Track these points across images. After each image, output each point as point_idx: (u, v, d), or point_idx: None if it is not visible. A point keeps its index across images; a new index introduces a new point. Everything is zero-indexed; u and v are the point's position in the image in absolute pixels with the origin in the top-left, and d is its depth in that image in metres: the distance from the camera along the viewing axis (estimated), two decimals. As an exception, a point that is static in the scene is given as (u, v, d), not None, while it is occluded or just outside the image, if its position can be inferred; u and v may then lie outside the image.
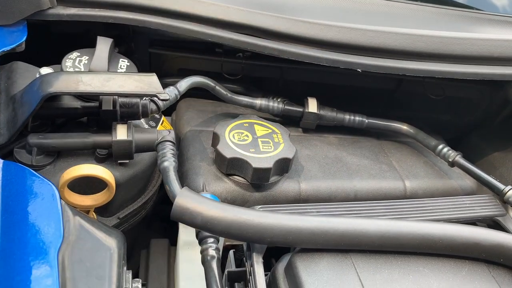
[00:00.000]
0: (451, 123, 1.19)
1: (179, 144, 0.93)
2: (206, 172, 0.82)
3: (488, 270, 0.66)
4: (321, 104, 0.98)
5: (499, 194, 0.82)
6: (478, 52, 0.85)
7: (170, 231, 1.10)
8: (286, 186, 0.83)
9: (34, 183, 0.59)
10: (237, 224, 0.62)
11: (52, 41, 0.95)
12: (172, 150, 0.72)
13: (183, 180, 0.83)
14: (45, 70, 0.80)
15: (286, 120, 0.98)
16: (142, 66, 1.04)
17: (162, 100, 0.70)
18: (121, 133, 0.71)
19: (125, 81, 0.73)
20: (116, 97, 0.74)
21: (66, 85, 0.69)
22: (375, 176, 0.90)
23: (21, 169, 0.60)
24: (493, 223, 0.82)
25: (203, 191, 0.78)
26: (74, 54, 0.85)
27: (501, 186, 0.82)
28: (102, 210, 0.75)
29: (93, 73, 0.74)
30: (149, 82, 0.74)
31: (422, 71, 0.85)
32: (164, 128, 0.87)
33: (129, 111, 0.78)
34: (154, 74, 0.76)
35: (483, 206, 0.81)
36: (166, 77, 1.04)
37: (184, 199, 0.63)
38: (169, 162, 0.69)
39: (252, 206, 0.81)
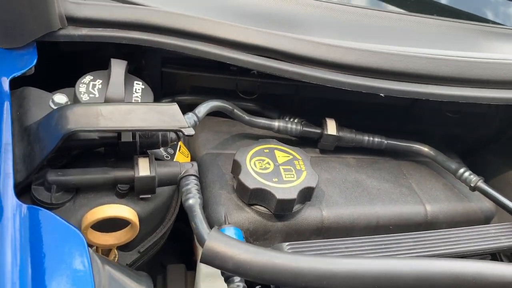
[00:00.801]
0: (464, 137, 1.18)
1: (196, 167, 0.90)
2: (227, 202, 0.80)
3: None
4: (336, 120, 0.96)
5: (524, 223, 0.82)
6: (503, 77, 0.84)
7: (181, 252, 1.09)
8: (309, 214, 0.81)
9: (62, 231, 0.56)
10: (270, 268, 0.60)
11: (60, 61, 0.91)
12: (197, 185, 0.70)
13: (204, 209, 0.80)
14: (59, 98, 0.77)
15: (303, 140, 0.96)
16: (153, 83, 1.01)
17: (187, 135, 0.68)
18: (144, 168, 0.69)
19: (147, 113, 0.70)
20: (137, 129, 0.71)
21: (87, 121, 0.66)
22: (396, 201, 0.88)
23: (49, 216, 0.57)
24: (518, 252, 0.82)
25: (225, 222, 0.76)
26: (87, 78, 0.82)
27: (525, 214, 0.81)
28: (123, 246, 0.73)
29: (112, 105, 0.71)
30: (171, 114, 0.71)
31: (446, 96, 0.83)
32: (182, 154, 0.85)
33: (149, 141, 0.75)
34: (176, 104, 0.73)
35: (508, 235, 0.80)
36: (178, 95, 1.01)
37: (215, 242, 0.61)
38: (194, 200, 0.67)
39: (274, 235, 0.80)
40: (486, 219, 0.93)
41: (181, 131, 0.68)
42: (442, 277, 0.63)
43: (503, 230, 0.81)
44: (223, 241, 0.61)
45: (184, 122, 0.70)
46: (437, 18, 1.03)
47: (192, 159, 0.93)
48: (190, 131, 0.68)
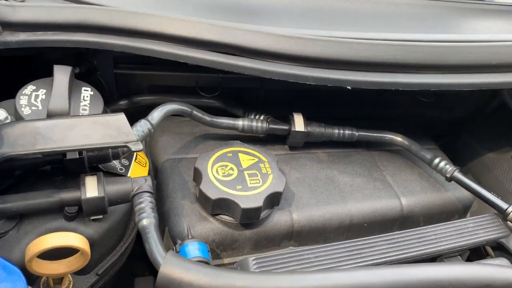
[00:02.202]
0: (440, 119, 1.14)
1: (156, 175, 0.85)
2: (190, 212, 0.74)
3: (499, 309, 0.63)
4: (304, 110, 0.91)
5: (502, 213, 0.78)
6: (475, 61, 0.79)
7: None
8: (278, 219, 0.77)
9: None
10: (232, 293, 0.56)
11: (4, 68, 0.84)
12: (151, 202, 0.64)
13: (165, 221, 0.75)
14: (-4, 113, 0.71)
15: (271, 137, 0.91)
16: (107, 84, 0.94)
17: (135, 151, 0.62)
18: (91, 189, 0.63)
19: (91, 128, 0.64)
20: (82, 145, 0.65)
21: (23, 143, 0.59)
22: (369, 196, 0.84)
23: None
24: (497, 245, 0.79)
25: (188, 236, 0.71)
26: (29, 88, 0.75)
27: (503, 205, 0.78)
28: (79, 270, 0.68)
29: (52, 120, 0.64)
30: (118, 127, 0.65)
31: (416, 84, 0.78)
32: (139, 164, 0.79)
33: (98, 156, 0.69)
34: (122, 114, 0.67)
35: (486, 228, 0.77)
36: (136, 96, 0.95)
37: (170, 267, 0.56)
38: (148, 220, 0.62)
39: (242, 244, 0.76)
40: (464, 208, 0.90)
41: (128, 147, 0.62)
42: (417, 285, 0.60)
43: (481, 223, 0.77)
44: (179, 266, 0.57)
45: (132, 135, 0.64)
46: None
47: (153, 165, 0.87)
48: (138, 147, 0.62)
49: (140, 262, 1.02)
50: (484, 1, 1.07)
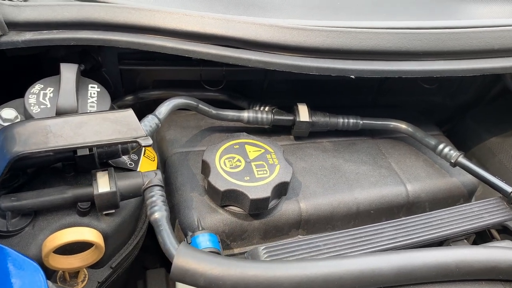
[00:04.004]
0: (443, 105, 1.15)
1: (164, 168, 0.86)
2: (199, 205, 0.76)
3: (506, 290, 0.64)
4: (308, 100, 0.92)
5: (506, 197, 0.79)
6: (478, 46, 0.79)
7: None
8: (286, 209, 0.78)
9: (17, 264, 0.52)
10: (244, 281, 0.57)
11: (7, 67, 0.85)
12: (162, 196, 0.65)
13: (175, 214, 0.77)
14: (7, 113, 0.72)
15: (276, 128, 0.92)
16: (113, 80, 0.95)
17: (145, 146, 0.63)
18: (103, 184, 0.64)
19: (100, 124, 0.65)
20: (93, 141, 0.66)
21: (35, 141, 0.61)
22: (375, 183, 0.85)
23: (2, 251, 0.53)
24: (502, 228, 0.80)
25: (198, 227, 0.73)
26: (37, 87, 0.76)
27: (508, 188, 0.79)
28: (94, 264, 0.69)
29: (62, 118, 0.65)
30: (127, 123, 0.66)
31: (419, 71, 0.79)
32: (148, 158, 0.80)
33: (108, 152, 0.70)
34: (131, 110, 0.68)
35: (491, 211, 0.78)
36: (141, 91, 0.96)
37: (183, 258, 0.58)
38: (160, 213, 0.63)
39: (252, 234, 0.77)
40: (469, 193, 0.91)
41: (138, 142, 0.63)
42: (425, 269, 0.61)
43: (486, 207, 0.79)
44: (192, 256, 0.58)
45: (141, 130, 0.65)
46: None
47: (161, 159, 0.89)
48: (148, 142, 0.63)
49: (151, 255, 1.04)
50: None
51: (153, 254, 1.05)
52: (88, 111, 0.74)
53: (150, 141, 0.63)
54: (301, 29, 0.78)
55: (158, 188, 0.66)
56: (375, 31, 0.78)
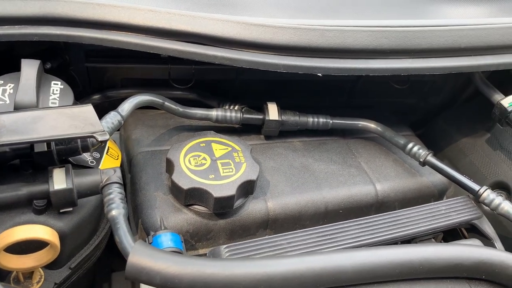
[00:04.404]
0: (416, 106, 1.15)
1: (130, 168, 0.84)
2: (163, 204, 0.74)
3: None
4: (281, 101, 0.91)
5: (474, 195, 0.79)
6: (445, 45, 0.79)
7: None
8: (253, 208, 0.77)
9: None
10: (201, 279, 0.55)
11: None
12: (120, 193, 0.63)
13: (138, 214, 0.75)
14: (-39, 108, 0.70)
15: (246, 127, 0.91)
16: (80, 78, 0.93)
17: (101, 141, 0.61)
18: (59, 181, 0.62)
19: (57, 119, 0.63)
20: (50, 137, 0.64)
21: (-14, 136, 0.59)
22: (344, 183, 0.84)
23: None
24: (470, 226, 0.79)
25: (161, 227, 0.71)
26: (-4, 83, 0.74)
27: (475, 186, 0.78)
28: (50, 264, 0.67)
29: (17, 113, 0.63)
30: (84, 118, 0.64)
31: (386, 69, 0.79)
32: (111, 156, 0.78)
33: (67, 148, 0.68)
34: (90, 105, 0.66)
35: (459, 210, 0.77)
36: (109, 90, 0.94)
37: (139, 256, 0.56)
38: (117, 210, 0.61)
39: (217, 234, 0.76)
40: (439, 193, 0.90)
41: (94, 137, 0.61)
42: (388, 266, 0.60)
43: (453, 206, 0.78)
44: (148, 255, 0.56)
45: (99, 126, 0.63)
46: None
47: (127, 159, 0.87)
48: (104, 136, 0.61)
49: (119, 257, 1.01)
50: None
51: (120, 256, 1.02)
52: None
53: (107, 136, 0.62)
54: (268, 26, 0.77)
55: (117, 185, 0.64)
56: (342, 29, 0.77)
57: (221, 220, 0.75)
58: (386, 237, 0.72)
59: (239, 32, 0.76)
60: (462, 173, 0.83)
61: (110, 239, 0.79)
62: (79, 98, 0.94)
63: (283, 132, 0.91)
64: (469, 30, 0.81)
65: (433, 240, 0.78)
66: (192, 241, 0.75)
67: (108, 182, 0.64)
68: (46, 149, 0.66)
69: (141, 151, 0.83)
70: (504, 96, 0.89)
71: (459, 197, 0.80)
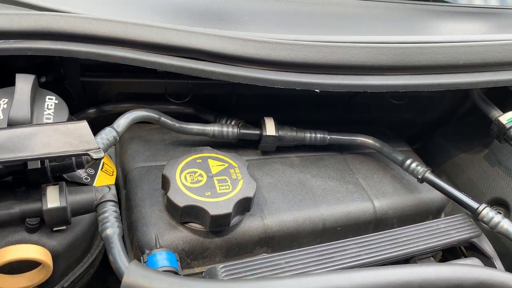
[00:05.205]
0: (413, 121, 1.15)
1: (125, 184, 0.83)
2: (158, 221, 0.73)
3: (471, 309, 0.62)
4: (277, 115, 0.91)
5: (473, 213, 0.78)
6: (442, 61, 0.79)
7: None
8: (249, 225, 0.76)
9: None
10: (198, 302, 0.54)
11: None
12: (115, 212, 0.62)
13: (133, 232, 0.74)
14: (-46, 124, 0.68)
15: (243, 142, 0.90)
16: (76, 93, 0.92)
17: (96, 159, 0.60)
18: (53, 199, 0.61)
19: (51, 136, 0.62)
20: (43, 154, 0.63)
21: (-23, 153, 0.57)
22: (342, 200, 0.83)
23: None
24: (469, 244, 0.78)
25: (156, 245, 0.70)
26: (-10, 98, 0.73)
27: (474, 204, 0.78)
28: (43, 283, 0.65)
29: (11, 129, 0.62)
30: (79, 135, 0.63)
31: (384, 86, 0.78)
32: (106, 173, 0.77)
33: (61, 165, 0.67)
34: (85, 121, 0.65)
35: (458, 228, 0.76)
36: (104, 104, 0.93)
37: (134, 277, 0.55)
38: (112, 229, 0.60)
39: (213, 252, 0.74)
40: (438, 209, 0.90)
41: (89, 155, 0.60)
42: (386, 287, 0.59)
43: (452, 224, 0.77)
44: (142, 276, 0.55)
45: (93, 143, 0.62)
46: (375, 0, 0.97)
47: (123, 174, 0.86)
48: (99, 154, 0.60)
49: (113, 275, 1.00)
50: (449, 3, 1.08)
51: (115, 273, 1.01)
52: (44, 123, 0.71)
53: (101, 154, 0.61)
54: (266, 42, 0.76)
55: (111, 203, 0.63)
56: (340, 45, 0.77)
57: (217, 238, 0.73)
58: (385, 256, 0.71)
59: (237, 48, 0.76)
60: (460, 190, 0.83)
61: (104, 256, 0.78)
62: (74, 112, 0.93)
63: (280, 147, 0.90)
64: (467, 47, 0.80)
65: (432, 258, 0.77)
66: (188, 259, 0.73)
67: (102, 200, 0.63)
68: (39, 166, 0.65)
69: (137, 166, 0.82)
70: (502, 113, 0.89)
71: (458, 215, 0.79)
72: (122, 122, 0.74)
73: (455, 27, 0.91)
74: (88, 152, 0.60)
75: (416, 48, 0.79)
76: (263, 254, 0.78)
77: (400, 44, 0.80)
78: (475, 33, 0.89)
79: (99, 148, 0.61)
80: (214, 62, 0.77)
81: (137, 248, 0.73)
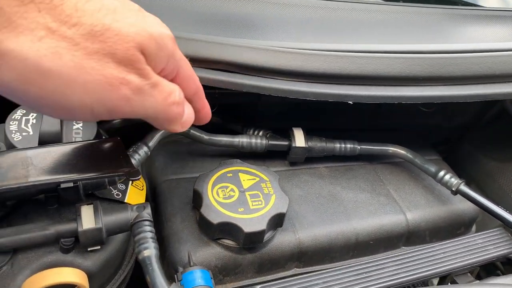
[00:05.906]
0: (440, 127, 1.12)
1: (154, 197, 0.82)
2: (190, 238, 0.72)
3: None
4: (303, 123, 0.89)
5: (510, 227, 0.76)
6: (479, 72, 0.77)
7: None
8: (282, 240, 0.74)
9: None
10: (240, 327, 0.53)
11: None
12: (151, 232, 0.61)
13: (165, 248, 0.73)
14: (-16, 142, 0.67)
15: (271, 153, 0.88)
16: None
17: (133, 179, 0.59)
18: (88, 220, 0.60)
19: (85, 155, 0.61)
20: (77, 172, 0.62)
21: (14, 176, 0.56)
22: (374, 213, 0.82)
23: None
24: (506, 260, 0.77)
25: (189, 263, 0.69)
26: (19, 113, 0.72)
27: (511, 218, 0.76)
28: (76, 304, 0.65)
29: (44, 149, 0.61)
30: (113, 153, 0.62)
31: (420, 97, 0.76)
32: (136, 187, 0.76)
33: (94, 183, 0.66)
34: (118, 138, 0.64)
35: (496, 243, 0.75)
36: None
37: (174, 302, 0.54)
38: (149, 251, 0.59)
39: (246, 268, 0.73)
40: (470, 221, 0.88)
41: (127, 176, 0.59)
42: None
43: (489, 239, 0.76)
44: (183, 300, 0.54)
45: (130, 162, 0.60)
46: (405, 5, 0.95)
47: (150, 187, 0.84)
48: (136, 175, 0.59)
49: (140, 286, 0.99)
50: (480, 7, 1.06)
51: (142, 285, 1.00)
52: (73, 138, 0.70)
53: (139, 175, 0.59)
54: (297, 53, 0.75)
55: (147, 223, 0.62)
56: (374, 55, 0.75)
57: (249, 254, 0.72)
58: (424, 274, 0.69)
59: (267, 59, 0.74)
60: (493, 199, 0.81)
61: (134, 271, 0.77)
62: (99, 123, 0.92)
63: (308, 157, 0.89)
64: (503, 56, 0.78)
65: (469, 275, 0.75)
66: (220, 276, 0.72)
67: (138, 220, 0.62)
68: (72, 184, 0.64)
69: (166, 179, 0.81)
70: (535, 119, 0.87)
71: (495, 230, 0.78)
72: (154, 138, 0.73)
73: (487, 33, 0.89)
74: (126, 174, 0.59)
75: (451, 59, 0.77)
76: (295, 269, 0.77)
77: (434, 54, 0.77)
78: (510, 40, 0.87)
79: (136, 169, 0.60)
80: (244, 74, 0.75)
81: (168, 265, 0.72)
